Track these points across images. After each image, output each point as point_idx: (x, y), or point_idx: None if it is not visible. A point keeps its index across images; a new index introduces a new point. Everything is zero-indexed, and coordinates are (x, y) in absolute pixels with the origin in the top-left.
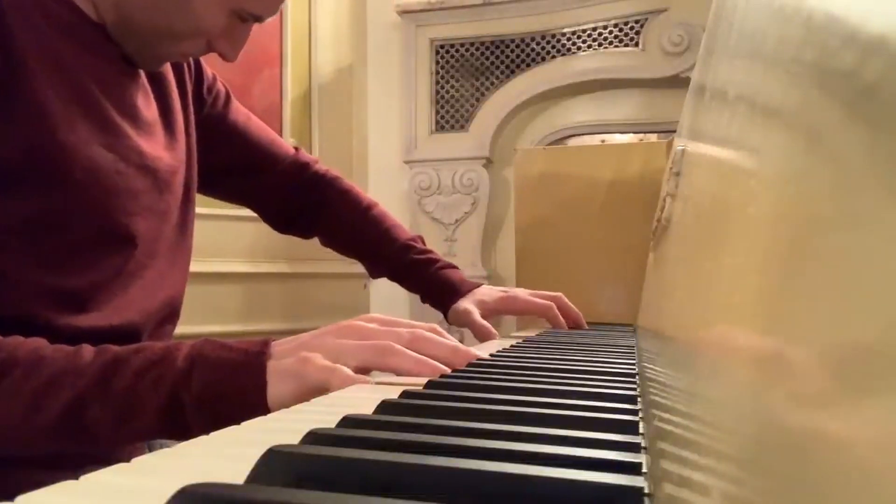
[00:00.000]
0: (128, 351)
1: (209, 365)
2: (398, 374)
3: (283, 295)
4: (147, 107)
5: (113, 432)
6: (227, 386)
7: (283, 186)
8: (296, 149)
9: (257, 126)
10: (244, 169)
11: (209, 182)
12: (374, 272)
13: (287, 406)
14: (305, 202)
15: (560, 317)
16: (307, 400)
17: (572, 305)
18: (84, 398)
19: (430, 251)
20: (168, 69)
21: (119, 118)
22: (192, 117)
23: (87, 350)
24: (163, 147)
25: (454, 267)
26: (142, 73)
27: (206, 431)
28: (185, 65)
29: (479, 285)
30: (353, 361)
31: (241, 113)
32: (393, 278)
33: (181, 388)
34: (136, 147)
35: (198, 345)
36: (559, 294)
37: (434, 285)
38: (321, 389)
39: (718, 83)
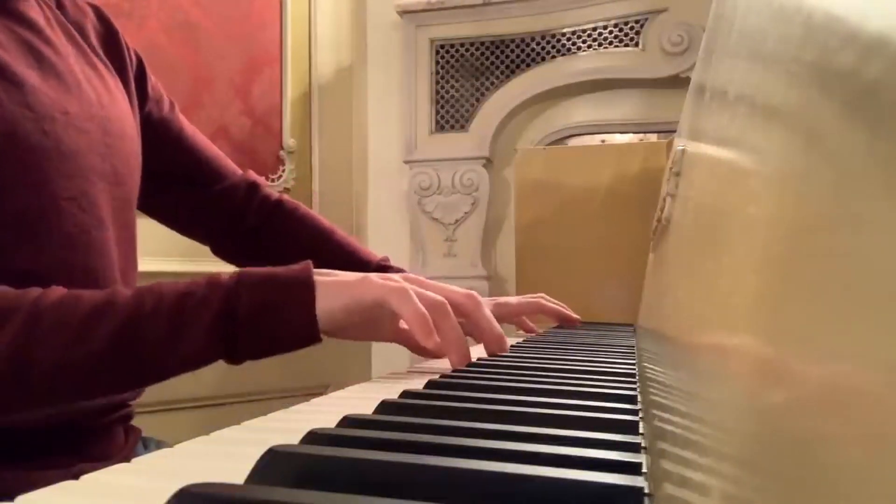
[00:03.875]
0: (168, 281)
1: (256, 281)
2: (440, 338)
3: None
4: (80, 69)
5: (163, 353)
6: (276, 298)
7: (232, 205)
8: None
9: (203, 140)
10: (187, 178)
11: (149, 191)
12: None
13: (338, 322)
14: (260, 228)
15: (553, 305)
16: (359, 320)
17: (554, 301)
18: (134, 319)
19: (404, 269)
20: (104, 50)
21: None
22: (135, 102)
23: (121, 288)
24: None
25: None
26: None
27: (254, 351)
28: (129, 57)
29: None
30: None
31: (186, 123)
32: None
33: (232, 301)
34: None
35: (240, 270)
36: (540, 294)
37: None
38: (376, 310)
39: (718, 83)
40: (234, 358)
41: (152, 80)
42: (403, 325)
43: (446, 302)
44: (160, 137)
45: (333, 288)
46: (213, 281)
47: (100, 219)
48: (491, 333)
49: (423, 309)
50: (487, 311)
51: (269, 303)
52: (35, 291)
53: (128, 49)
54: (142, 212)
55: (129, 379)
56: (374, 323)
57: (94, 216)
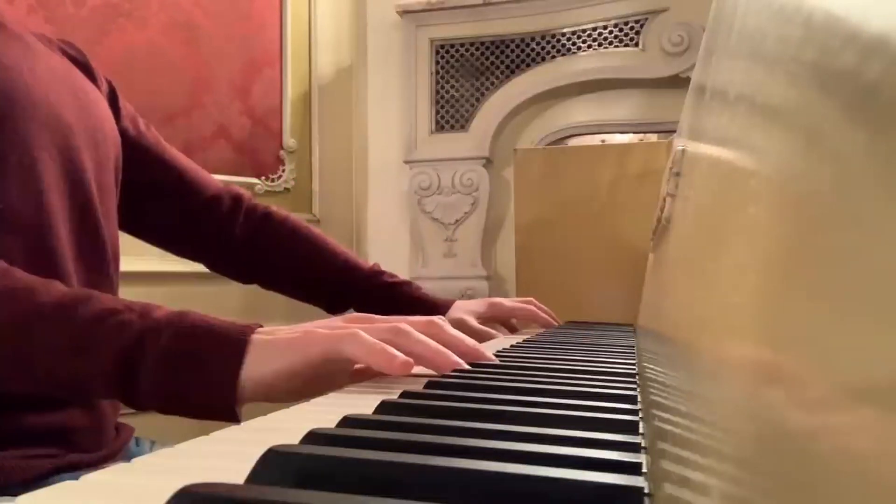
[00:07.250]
0: (106, 295)
1: (187, 325)
2: (414, 358)
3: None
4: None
5: (56, 364)
6: (199, 348)
7: (218, 216)
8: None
9: (182, 156)
10: (169, 189)
11: (131, 201)
12: (338, 305)
13: (274, 387)
14: (248, 240)
15: (542, 314)
16: (311, 375)
17: (543, 307)
18: (40, 314)
19: (396, 275)
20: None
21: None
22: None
23: (58, 283)
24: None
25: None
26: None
27: (154, 400)
28: (100, 78)
29: (454, 301)
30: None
31: (161, 139)
32: (366, 303)
33: (150, 338)
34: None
35: (183, 310)
36: (530, 298)
37: (420, 302)
38: (327, 365)
39: (718, 83)
40: (133, 401)
41: (123, 101)
42: (359, 365)
43: (402, 323)
44: (138, 153)
45: (269, 350)
46: (146, 310)
47: (77, 171)
48: (465, 349)
49: (376, 340)
50: (452, 330)
51: (188, 350)
52: None
53: (99, 73)
54: (130, 233)
55: (19, 375)
56: (328, 378)
57: (71, 168)
